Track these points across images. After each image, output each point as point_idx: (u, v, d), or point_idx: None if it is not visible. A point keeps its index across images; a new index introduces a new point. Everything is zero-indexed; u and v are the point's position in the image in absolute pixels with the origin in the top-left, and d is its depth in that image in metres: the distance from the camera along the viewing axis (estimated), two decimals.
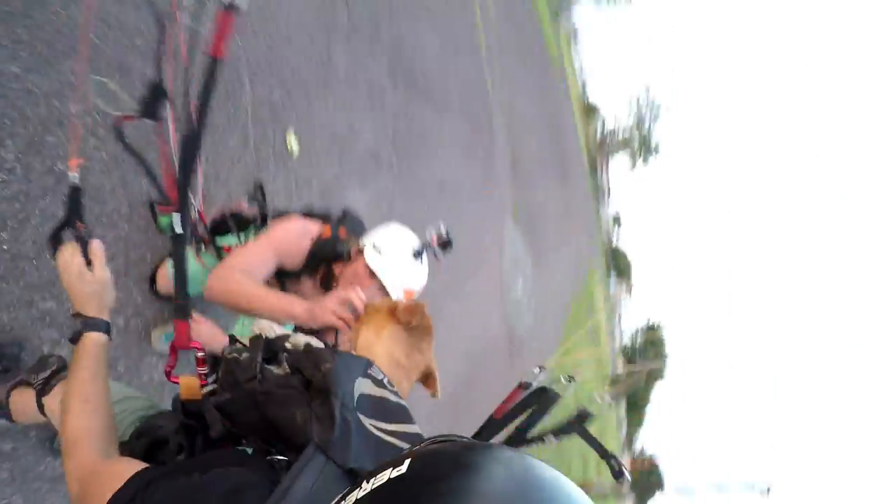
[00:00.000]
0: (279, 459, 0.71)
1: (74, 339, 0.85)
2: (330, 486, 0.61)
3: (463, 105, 6.43)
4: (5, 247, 1.53)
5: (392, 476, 0.43)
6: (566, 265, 13.85)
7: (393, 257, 1.48)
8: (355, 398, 0.74)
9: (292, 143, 2.87)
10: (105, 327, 0.87)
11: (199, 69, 0.78)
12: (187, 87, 0.85)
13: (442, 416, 4.02)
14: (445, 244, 1.49)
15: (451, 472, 0.42)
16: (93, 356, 0.83)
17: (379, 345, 0.99)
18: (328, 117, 3.34)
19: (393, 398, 0.81)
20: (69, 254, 0.86)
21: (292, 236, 1.55)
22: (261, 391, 0.75)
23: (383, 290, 1.49)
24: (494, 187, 7.34)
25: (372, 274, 1.48)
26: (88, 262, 0.87)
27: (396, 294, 1.50)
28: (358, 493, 0.43)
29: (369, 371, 0.82)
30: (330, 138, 3.31)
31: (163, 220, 1.00)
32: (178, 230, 0.85)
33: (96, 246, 0.88)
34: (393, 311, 1.04)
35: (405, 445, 0.73)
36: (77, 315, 0.86)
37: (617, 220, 49.69)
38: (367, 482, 0.43)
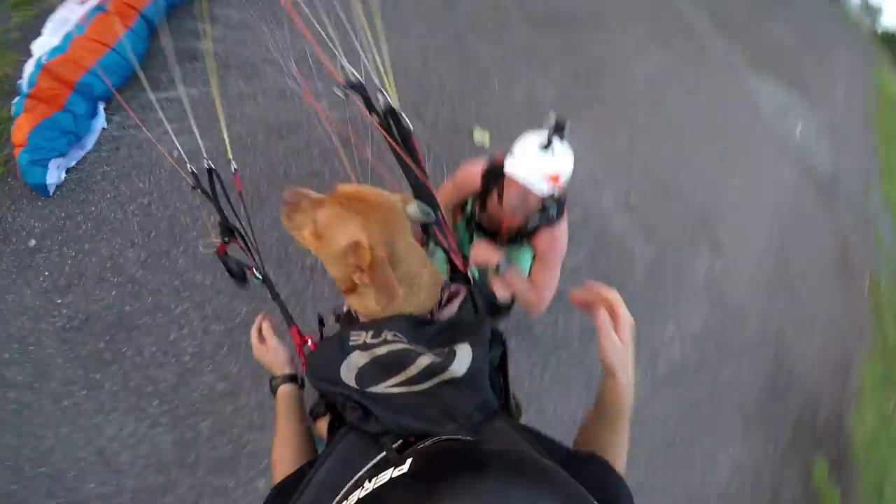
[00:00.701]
0: None
1: (273, 393, 1.02)
2: (365, 450, 0.64)
3: (625, 11, 5.82)
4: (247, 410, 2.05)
5: (394, 475, 0.43)
6: (842, 81, 10.65)
7: (520, 156, 1.61)
8: (352, 379, 0.74)
9: (481, 135, 3.07)
10: (289, 379, 1.02)
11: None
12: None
13: (775, 301, 3.46)
14: (558, 128, 1.55)
15: (452, 471, 0.41)
16: (283, 405, 0.98)
17: (365, 300, 0.87)
18: (502, 100, 3.46)
19: (382, 350, 0.77)
20: (252, 337, 1.09)
21: (466, 171, 1.86)
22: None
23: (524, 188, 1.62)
24: (709, 52, 6.30)
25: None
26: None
27: (539, 185, 1.59)
28: (360, 493, 0.43)
29: (350, 344, 0.79)
30: (514, 114, 3.41)
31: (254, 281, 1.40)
32: (259, 277, 1.23)
33: (266, 325, 1.09)
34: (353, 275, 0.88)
35: (422, 386, 0.72)
36: (272, 378, 1.03)
37: (869, 8, 35.98)
38: (370, 481, 0.44)
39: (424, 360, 0.73)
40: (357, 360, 0.76)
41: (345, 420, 0.74)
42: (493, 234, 1.99)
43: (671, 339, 3.02)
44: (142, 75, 2.38)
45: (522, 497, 0.40)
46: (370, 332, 0.80)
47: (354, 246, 0.80)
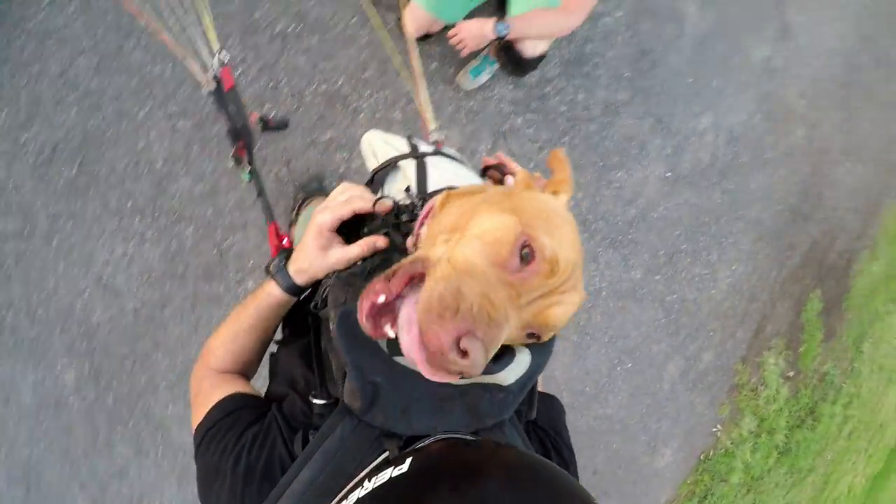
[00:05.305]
0: (320, 404, 0.68)
1: (267, 270, 0.83)
2: (360, 451, 0.59)
3: None
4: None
5: (393, 475, 0.44)
6: None
7: None
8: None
9: None
10: (290, 288, 0.81)
11: None
12: None
13: (830, 114, 3.10)
14: None
15: (453, 472, 0.44)
16: (265, 303, 0.82)
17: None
18: None
19: None
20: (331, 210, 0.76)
21: None
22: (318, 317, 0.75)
23: None
24: None
25: None
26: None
27: None
28: (360, 493, 0.44)
29: None
30: None
31: (244, 175, 1.32)
32: (249, 175, 1.22)
33: (370, 242, 0.75)
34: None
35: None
36: (284, 254, 0.82)
37: None
38: (369, 480, 0.45)
39: None
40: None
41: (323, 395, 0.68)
42: None
43: (704, 133, 2.73)
44: None
45: (524, 500, 0.41)
46: None
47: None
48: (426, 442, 0.55)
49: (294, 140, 2.28)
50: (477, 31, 1.78)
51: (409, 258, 0.56)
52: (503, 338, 0.51)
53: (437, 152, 0.99)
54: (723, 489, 3.58)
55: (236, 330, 0.83)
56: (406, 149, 0.98)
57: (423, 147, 1.00)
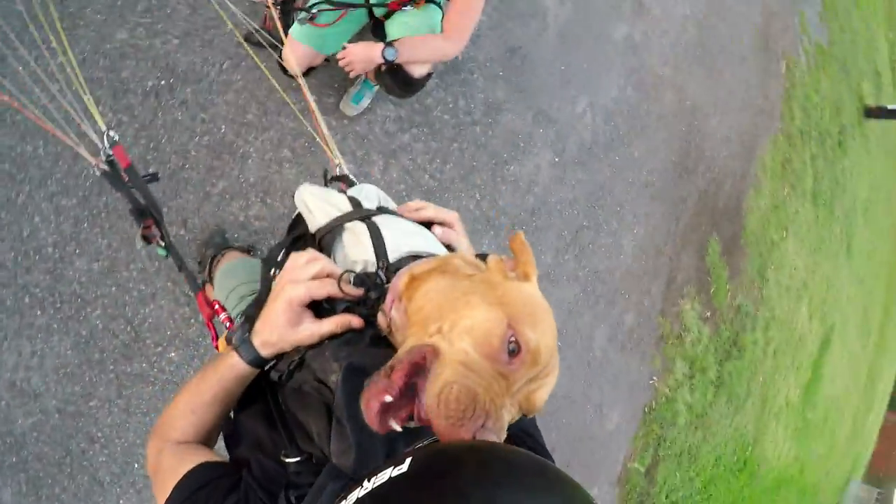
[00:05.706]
0: (294, 462, 0.69)
1: (228, 341, 0.84)
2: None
3: None
4: None
5: (393, 475, 0.44)
6: None
7: None
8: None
9: None
10: (255, 361, 0.77)
11: None
12: None
13: (694, 74, 3.39)
14: None
15: (452, 471, 0.44)
16: (229, 374, 0.79)
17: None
18: None
19: None
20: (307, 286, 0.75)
21: None
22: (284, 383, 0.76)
23: None
24: None
25: None
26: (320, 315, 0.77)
27: None
28: (359, 492, 0.44)
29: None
30: None
31: (160, 251, 1.32)
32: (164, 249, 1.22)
33: (344, 321, 0.74)
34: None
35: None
36: (247, 324, 0.80)
37: None
38: (368, 481, 0.45)
39: None
40: None
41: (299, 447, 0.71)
42: None
43: (582, 115, 2.92)
44: None
45: (524, 498, 0.41)
46: None
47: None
48: (425, 442, 0.55)
49: (187, 197, 2.23)
50: (364, 55, 1.84)
51: (407, 350, 0.60)
52: (507, 422, 0.57)
53: (380, 209, 0.96)
54: (673, 433, 3.87)
55: (197, 402, 0.81)
56: (346, 206, 0.94)
57: (366, 203, 0.97)
